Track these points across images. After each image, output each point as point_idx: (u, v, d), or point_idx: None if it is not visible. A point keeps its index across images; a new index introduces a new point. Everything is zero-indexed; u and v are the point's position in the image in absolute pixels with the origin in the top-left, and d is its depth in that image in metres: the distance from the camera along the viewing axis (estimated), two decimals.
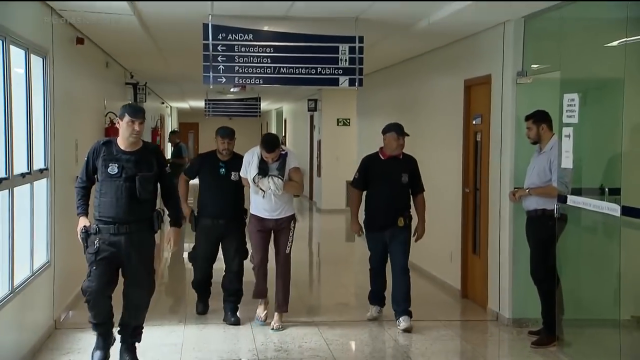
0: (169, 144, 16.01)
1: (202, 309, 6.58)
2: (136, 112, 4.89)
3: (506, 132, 6.48)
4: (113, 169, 4.77)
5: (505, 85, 6.50)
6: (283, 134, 23.16)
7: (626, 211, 4.69)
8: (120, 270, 4.90)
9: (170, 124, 23.03)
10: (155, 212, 4.95)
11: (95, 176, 4.86)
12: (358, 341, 6.03)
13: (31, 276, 5.44)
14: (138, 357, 5.00)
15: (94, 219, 4.82)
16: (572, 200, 5.33)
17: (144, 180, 4.81)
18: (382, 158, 6.32)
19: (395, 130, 6.26)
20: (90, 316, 4.90)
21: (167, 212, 5.15)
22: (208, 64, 6.43)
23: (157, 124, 16.62)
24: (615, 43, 5.12)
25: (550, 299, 5.67)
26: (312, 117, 17.65)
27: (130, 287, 4.91)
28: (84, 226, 4.79)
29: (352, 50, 6.62)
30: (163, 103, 19.19)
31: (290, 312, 6.27)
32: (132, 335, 4.97)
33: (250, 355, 5.47)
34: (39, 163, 5.82)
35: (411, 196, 6.36)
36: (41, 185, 5.87)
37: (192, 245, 6.60)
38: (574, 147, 5.29)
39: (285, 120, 23.23)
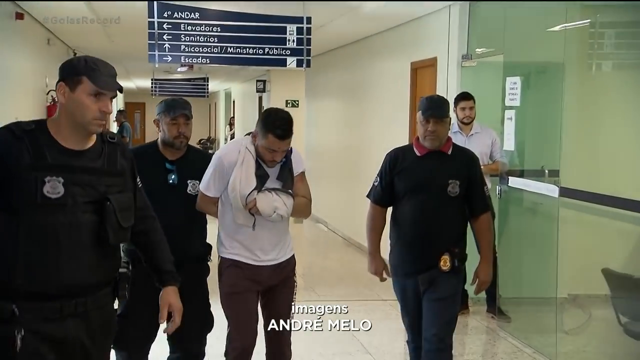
0: (115, 124, 15.76)
1: None
2: (107, 77, 2.42)
3: (451, 114, 6.56)
4: (55, 187, 2.32)
5: (450, 68, 6.59)
6: (232, 115, 23.00)
7: (564, 192, 4.84)
8: None
9: (117, 104, 22.62)
10: (121, 271, 2.60)
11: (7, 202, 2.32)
12: None
13: None
14: None
15: (7, 291, 2.32)
16: (512, 181, 5.48)
17: (119, 209, 2.45)
18: (418, 154, 3.78)
19: (423, 108, 3.73)
20: None
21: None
22: (153, 42, 6.34)
23: None
24: (556, 28, 5.24)
25: (494, 275, 5.82)
26: (260, 99, 17.55)
27: None
28: None
29: (299, 31, 6.60)
30: None
31: None
32: None
33: None
34: None
35: (468, 218, 3.80)
36: None
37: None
38: (515, 129, 5.43)
39: (233, 102, 23.05)
